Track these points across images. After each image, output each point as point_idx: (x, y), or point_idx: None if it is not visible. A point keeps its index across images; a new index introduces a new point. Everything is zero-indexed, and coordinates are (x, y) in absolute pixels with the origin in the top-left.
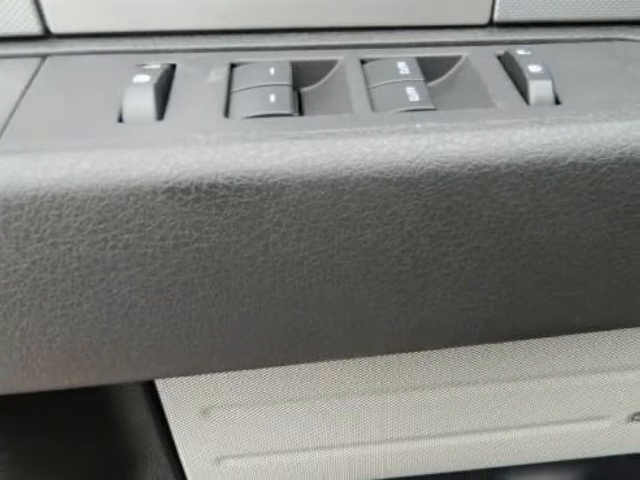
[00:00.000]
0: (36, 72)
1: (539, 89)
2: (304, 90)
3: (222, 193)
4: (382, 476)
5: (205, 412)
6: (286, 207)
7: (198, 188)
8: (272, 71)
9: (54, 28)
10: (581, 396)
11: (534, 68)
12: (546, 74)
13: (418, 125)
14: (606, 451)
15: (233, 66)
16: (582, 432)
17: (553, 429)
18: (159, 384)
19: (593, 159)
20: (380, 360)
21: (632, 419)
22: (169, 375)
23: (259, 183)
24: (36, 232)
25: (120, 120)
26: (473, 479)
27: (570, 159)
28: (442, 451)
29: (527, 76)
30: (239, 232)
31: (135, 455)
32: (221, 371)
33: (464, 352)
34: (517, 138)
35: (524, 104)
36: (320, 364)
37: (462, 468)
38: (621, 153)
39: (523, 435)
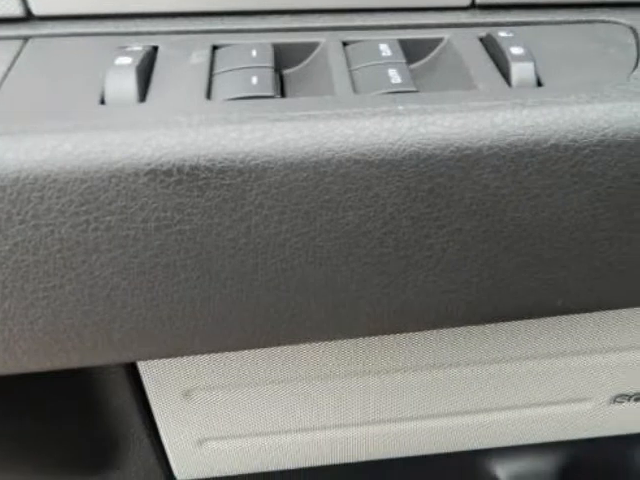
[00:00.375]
0: (18, 54)
1: (521, 71)
2: (286, 72)
3: (204, 175)
4: (364, 458)
5: (187, 394)
6: (268, 189)
7: (180, 170)
8: (254, 53)
9: (36, 10)
10: (563, 378)
11: (516, 50)
12: (528, 56)
13: (400, 107)
14: (588, 433)
15: (215, 48)
16: (564, 414)
17: (535, 411)
18: (141, 366)
19: (575, 141)
20: (362, 342)
21: (614, 401)
22: (151, 357)
23: (241, 165)
24: (18, 214)
25: (102, 102)
26: (456, 461)
27: (552, 141)
28: (424, 433)
29: (509, 58)
30: (221, 214)
31: (117, 437)
32: (203, 353)
33: (446, 334)
34: (499, 120)
35: (506, 86)
36: (302, 346)
37: (444, 450)
38: (603, 135)
39: (505, 417)
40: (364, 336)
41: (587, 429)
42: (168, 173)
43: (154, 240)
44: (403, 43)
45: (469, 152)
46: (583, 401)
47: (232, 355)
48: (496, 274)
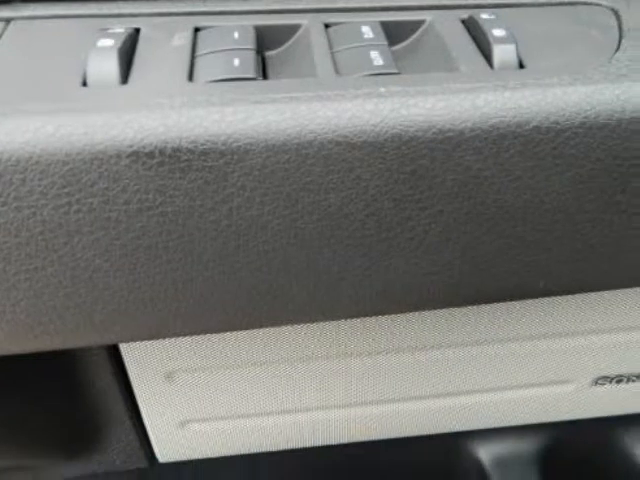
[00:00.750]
0: (0, 36)
1: (503, 53)
2: (268, 54)
3: (186, 157)
4: (347, 440)
5: (169, 376)
6: (250, 171)
7: (162, 152)
8: (236, 35)
9: None
10: (545, 360)
11: (498, 32)
12: (510, 38)
13: (382, 89)
14: (570, 415)
15: (197, 30)
16: (546, 396)
17: (517, 393)
18: (123, 348)
19: (557, 123)
20: (344, 324)
21: (596, 383)
22: (133, 339)
23: (223, 147)
24: (0, 196)
25: (84, 84)
26: (438, 443)
27: (534, 123)
28: (407, 415)
29: (491, 40)
30: (203, 196)
31: (99, 419)
32: (185, 335)
33: (428, 316)
34: (481, 102)
35: (488, 68)
36: (284, 328)
37: (427, 432)
38: (585, 117)
39: (487, 399)
40: (346, 318)
41: (569, 411)
42: (150, 155)
43: (136, 222)
44: (385, 25)
45: (451, 134)
46: (565, 383)
47: (214, 337)
48: (478, 256)
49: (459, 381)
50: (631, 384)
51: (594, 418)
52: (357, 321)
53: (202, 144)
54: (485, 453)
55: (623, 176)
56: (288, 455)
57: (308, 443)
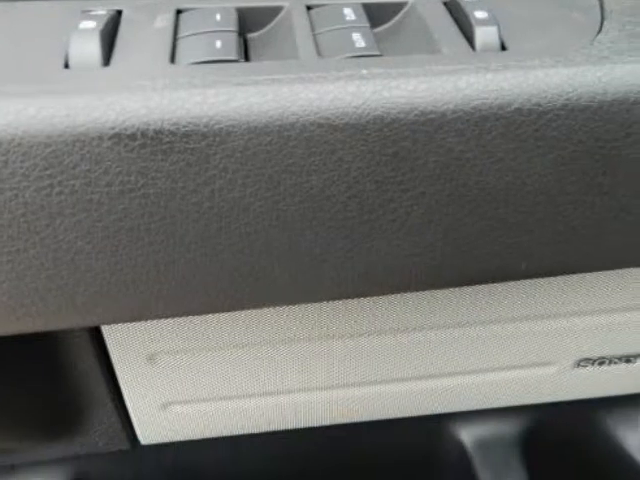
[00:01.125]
0: None
1: (485, 35)
2: (250, 36)
3: (168, 139)
4: (328, 422)
5: (151, 358)
6: (232, 153)
7: (144, 134)
8: (218, 17)
9: None
10: (527, 342)
11: (480, 14)
12: (492, 20)
13: (364, 71)
14: (552, 397)
15: (179, 12)
16: (528, 378)
17: (499, 375)
18: (105, 330)
19: (539, 105)
20: (326, 306)
21: (578, 365)
22: (115, 321)
23: (205, 129)
24: None
25: (66, 66)
26: (420, 425)
27: (516, 105)
28: (389, 397)
29: (473, 22)
30: (185, 178)
31: (81, 402)
32: (167, 317)
33: (410, 298)
34: (463, 84)
35: (470, 50)
36: (266, 310)
37: (409, 414)
38: (567, 99)
39: (469, 381)
40: (328, 300)
41: (551, 393)
42: (132, 137)
43: (118, 204)
44: (367, 7)
45: (433, 116)
46: (547, 365)
47: (196, 319)
48: (460, 238)
49: (441, 363)
50: (613, 366)
51: (576, 400)
52: (339, 303)
53: (184, 126)
54: (467, 435)
55: (605, 158)
56: (270, 437)
57: (290, 425)
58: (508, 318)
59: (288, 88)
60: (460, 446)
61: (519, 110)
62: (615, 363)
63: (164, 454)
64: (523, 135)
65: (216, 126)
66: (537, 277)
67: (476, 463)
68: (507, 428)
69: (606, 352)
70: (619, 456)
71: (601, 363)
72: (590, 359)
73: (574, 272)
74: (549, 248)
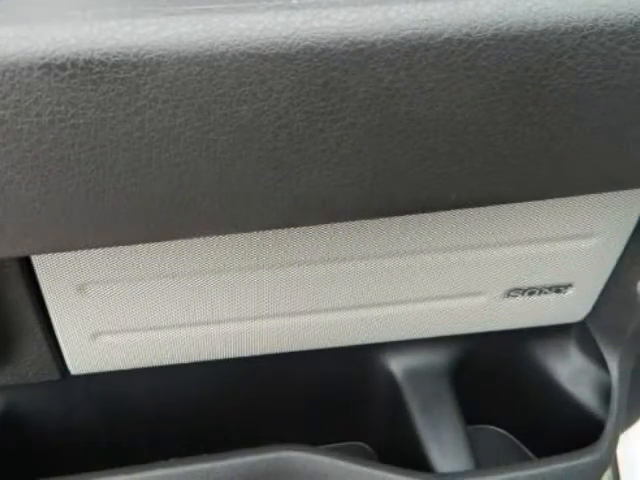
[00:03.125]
0: None
1: None
2: None
3: (98, 69)
4: (258, 352)
5: (81, 288)
6: (162, 83)
7: (74, 64)
8: None
9: None
10: (457, 272)
11: None
12: None
13: (294, 1)
14: (482, 327)
15: None
16: (458, 308)
17: (429, 305)
18: (35, 260)
19: (469, 35)
20: (256, 236)
21: (508, 295)
22: (45, 251)
23: (135, 59)
24: None
25: None
26: (350, 355)
27: (446, 35)
28: (319, 327)
29: None
30: (115, 108)
31: (11, 331)
32: (97, 247)
33: (340, 228)
34: (393, 14)
35: None
36: (196, 240)
37: (339, 344)
38: (497, 29)
39: (399, 311)
40: (258, 230)
41: (481, 323)
42: (62, 67)
43: (48, 134)
44: None
45: (363, 46)
46: (477, 295)
47: (126, 249)
48: (390, 168)
49: (371, 293)
50: (543, 296)
51: (506, 330)
52: (269, 233)
53: (114, 56)
54: (396, 365)
55: (535, 88)
56: (200, 367)
57: (220, 355)
58: (438, 248)
59: (218, 18)
60: (390, 376)
61: (449, 40)
62: (545, 293)
63: (94, 384)
64: (453, 65)
65: (146, 56)
66: (467, 207)
67: (406, 393)
68: (437, 358)
69: (536, 282)
70: (549, 386)
71: (531, 293)
72: (520, 289)
73: (504, 202)
74: (479, 178)
